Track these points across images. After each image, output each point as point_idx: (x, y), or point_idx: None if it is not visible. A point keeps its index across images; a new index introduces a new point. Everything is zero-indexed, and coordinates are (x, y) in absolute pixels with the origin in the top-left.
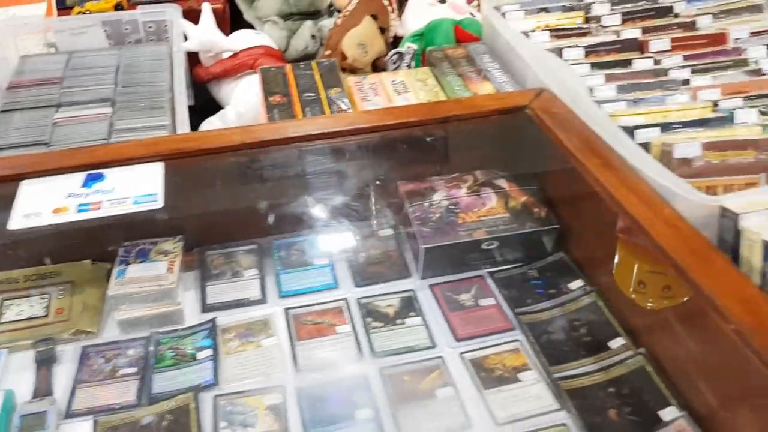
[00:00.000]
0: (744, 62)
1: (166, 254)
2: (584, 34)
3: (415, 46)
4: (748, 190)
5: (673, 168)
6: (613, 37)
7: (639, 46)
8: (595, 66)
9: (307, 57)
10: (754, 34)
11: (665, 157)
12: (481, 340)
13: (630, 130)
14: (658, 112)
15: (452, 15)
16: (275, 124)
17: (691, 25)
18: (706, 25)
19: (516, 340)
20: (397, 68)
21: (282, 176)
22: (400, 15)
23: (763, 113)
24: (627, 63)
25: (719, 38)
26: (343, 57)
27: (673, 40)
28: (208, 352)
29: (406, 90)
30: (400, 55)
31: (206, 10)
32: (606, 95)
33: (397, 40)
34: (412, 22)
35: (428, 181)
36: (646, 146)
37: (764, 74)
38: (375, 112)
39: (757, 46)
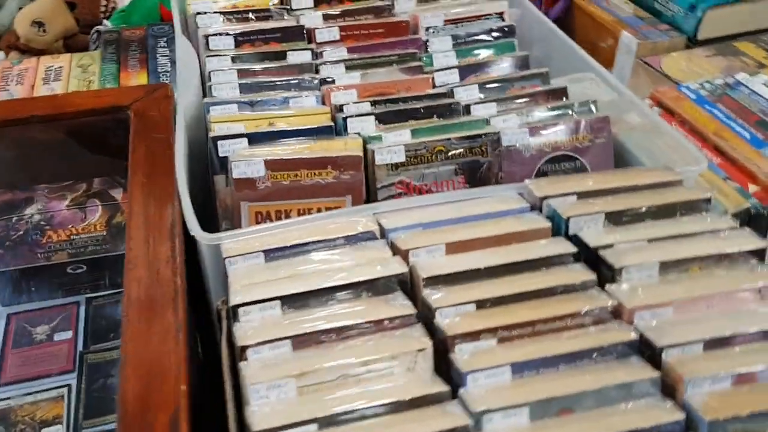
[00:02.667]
0: (412, 56)
1: None
2: (266, 18)
3: (110, 25)
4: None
5: (235, 189)
6: (281, 24)
7: (307, 35)
8: (239, 59)
9: None
10: (449, 21)
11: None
12: (27, 385)
13: (216, 141)
14: (264, 119)
15: None
16: None
17: (386, 11)
18: (404, 10)
19: (67, 385)
20: (96, 48)
21: None
22: None
23: (381, 121)
24: (282, 56)
25: (400, 27)
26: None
27: (346, 28)
28: None
29: (58, 78)
30: (99, 34)
31: None
32: (228, 95)
33: None
34: None
35: (31, 189)
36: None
37: (426, 72)
38: None
39: (445, 37)
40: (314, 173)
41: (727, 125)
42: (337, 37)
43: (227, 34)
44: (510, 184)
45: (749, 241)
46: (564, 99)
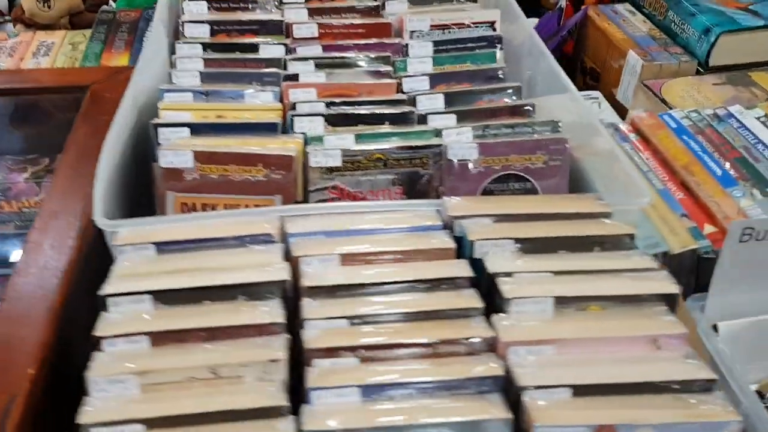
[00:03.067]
0: (384, 60)
1: None
2: (251, 10)
3: (113, 6)
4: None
5: (162, 178)
6: (260, 17)
7: (285, 30)
8: (211, 47)
9: None
10: (437, 26)
11: None
12: None
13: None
14: (213, 110)
15: None
16: None
17: (375, 11)
18: (394, 12)
19: None
20: None
21: None
22: None
23: (330, 123)
24: (254, 48)
25: (382, 28)
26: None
27: (325, 26)
28: None
29: (47, 53)
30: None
31: None
32: (188, 83)
33: None
34: None
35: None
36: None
37: (395, 77)
38: None
39: (427, 42)
40: (244, 169)
41: (700, 159)
42: (315, 34)
43: (204, 23)
44: (430, 200)
45: (662, 285)
46: (530, 117)
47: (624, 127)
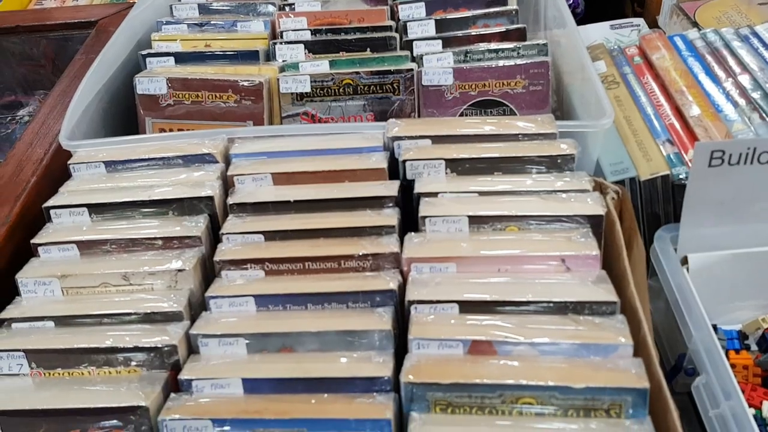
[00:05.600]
0: None
1: None
2: None
3: None
4: None
5: (140, 105)
6: None
7: None
8: None
9: None
10: None
11: None
12: None
13: (145, 58)
14: (201, 40)
15: None
16: None
17: None
18: None
19: None
20: None
21: None
22: None
23: (311, 51)
24: None
25: None
26: None
27: None
28: None
29: None
30: None
31: None
32: (187, 14)
33: None
34: None
35: (30, 94)
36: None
37: (380, 2)
38: None
39: None
40: (215, 95)
41: (699, 82)
42: None
43: None
44: (377, 123)
45: (590, 206)
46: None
47: (632, 50)
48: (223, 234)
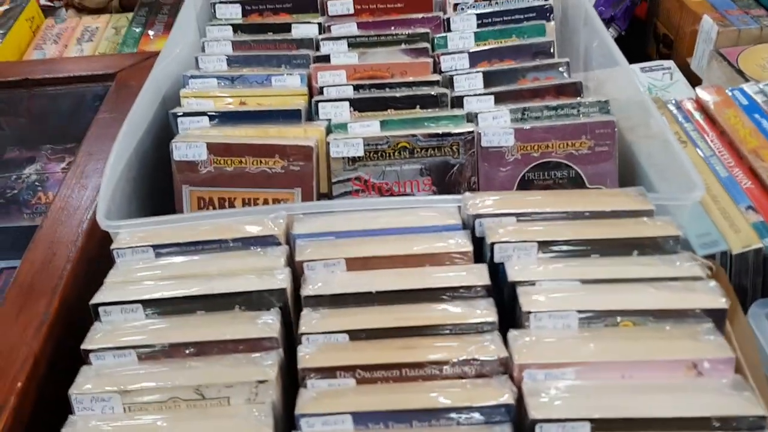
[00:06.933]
0: (422, 36)
1: None
2: None
3: None
4: None
5: (177, 172)
6: None
7: (320, 7)
8: (242, 29)
9: None
10: None
11: None
12: None
13: (177, 117)
14: (236, 96)
15: None
16: None
17: None
18: None
19: None
20: None
21: None
22: None
23: (357, 108)
24: (287, 28)
25: (423, 2)
26: None
27: (363, 1)
28: None
29: (91, 39)
30: None
31: None
32: (214, 68)
33: None
34: None
35: (36, 149)
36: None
37: (432, 55)
38: None
39: (471, 15)
40: (260, 161)
41: None
42: (351, 11)
43: (235, 2)
44: (451, 196)
45: (709, 298)
46: (578, 97)
47: (689, 104)
48: (302, 334)
